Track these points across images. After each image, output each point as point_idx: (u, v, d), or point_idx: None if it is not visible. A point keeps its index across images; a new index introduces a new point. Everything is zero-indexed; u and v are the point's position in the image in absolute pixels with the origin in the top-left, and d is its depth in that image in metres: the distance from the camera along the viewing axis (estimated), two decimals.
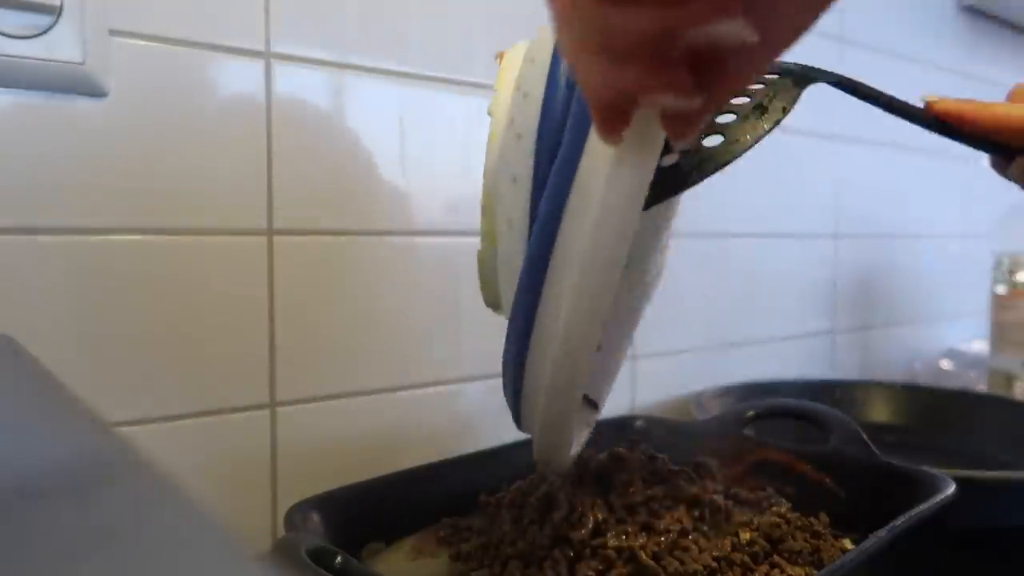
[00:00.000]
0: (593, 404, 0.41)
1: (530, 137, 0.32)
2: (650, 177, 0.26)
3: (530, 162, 0.32)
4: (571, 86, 0.31)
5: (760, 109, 0.30)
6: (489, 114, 0.34)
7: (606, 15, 0.20)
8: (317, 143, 0.50)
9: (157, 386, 0.44)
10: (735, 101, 0.31)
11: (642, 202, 0.26)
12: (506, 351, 0.33)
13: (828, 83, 0.34)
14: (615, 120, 0.23)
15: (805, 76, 0.32)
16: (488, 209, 0.34)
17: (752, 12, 0.20)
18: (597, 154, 0.27)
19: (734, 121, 0.30)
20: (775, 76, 0.32)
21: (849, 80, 0.34)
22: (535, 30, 0.33)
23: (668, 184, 0.29)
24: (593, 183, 0.27)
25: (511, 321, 0.32)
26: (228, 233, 0.46)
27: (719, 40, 0.20)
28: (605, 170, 0.26)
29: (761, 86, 0.31)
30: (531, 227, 0.31)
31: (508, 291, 0.33)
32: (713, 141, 0.30)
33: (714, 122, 0.30)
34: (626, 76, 0.21)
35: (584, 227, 0.27)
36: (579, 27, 0.21)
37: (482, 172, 0.34)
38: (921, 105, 0.37)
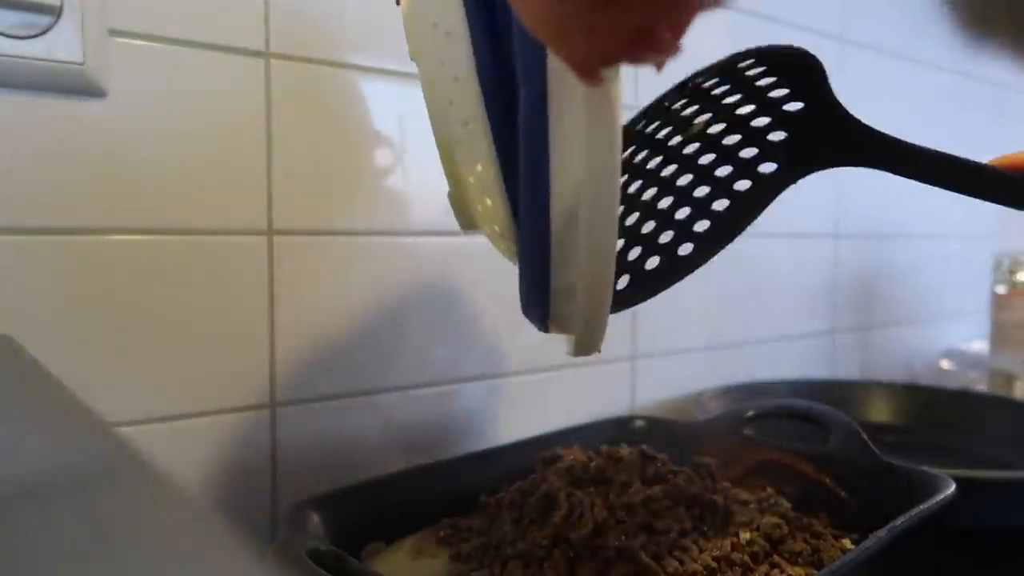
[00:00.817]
0: None
1: (470, 79, 0.32)
2: (620, 90, 0.27)
3: (479, 104, 0.32)
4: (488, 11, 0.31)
5: None
6: (413, 59, 0.34)
7: (594, 16, 0.21)
8: (317, 143, 0.50)
9: (157, 386, 0.44)
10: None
11: (619, 114, 0.27)
12: (522, 269, 0.33)
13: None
14: (596, 71, 0.24)
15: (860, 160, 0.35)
16: (446, 153, 0.35)
17: None
18: (564, 91, 0.28)
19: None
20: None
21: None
22: None
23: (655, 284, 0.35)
24: (570, 115, 0.27)
25: (522, 241, 0.32)
26: (228, 233, 0.46)
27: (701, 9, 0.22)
28: (582, 108, 0.27)
29: None
30: (498, 153, 0.32)
31: (487, 214, 0.34)
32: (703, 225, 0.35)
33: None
34: (612, 49, 0.23)
35: (577, 142, 0.28)
36: (563, 23, 0.22)
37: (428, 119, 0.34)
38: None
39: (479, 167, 0.33)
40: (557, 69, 0.27)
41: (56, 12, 0.40)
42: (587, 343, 0.34)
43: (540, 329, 0.36)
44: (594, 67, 0.24)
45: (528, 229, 0.31)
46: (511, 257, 0.37)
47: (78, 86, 0.41)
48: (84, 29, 0.40)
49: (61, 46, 0.40)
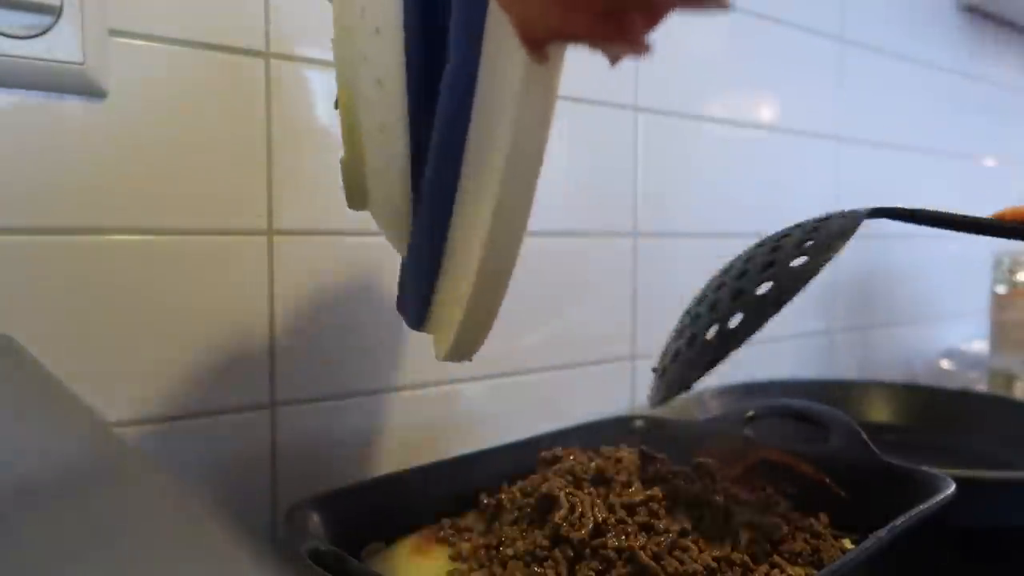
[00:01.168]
0: None
1: (392, 32, 0.28)
2: (560, 77, 0.24)
3: (399, 61, 0.28)
4: None
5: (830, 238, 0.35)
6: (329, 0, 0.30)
7: None
8: (317, 143, 0.50)
9: (157, 386, 0.44)
10: (807, 243, 0.36)
11: (555, 101, 0.24)
12: (411, 255, 0.30)
13: (895, 219, 0.39)
14: (545, 44, 0.22)
15: (872, 214, 0.37)
16: (348, 113, 0.31)
17: None
18: (500, 64, 0.24)
19: (812, 245, 0.35)
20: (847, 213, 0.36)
21: (912, 211, 0.39)
22: None
23: (766, 308, 0.34)
24: (500, 92, 0.24)
25: (420, 224, 0.29)
26: (228, 233, 0.46)
27: None
28: (516, 81, 0.23)
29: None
30: (410, 124, 0.28)
31: (384, 191, 0.30)
32: (798, 261, 0.34)
33: (803, 246, 0.35)
34: (577, 24, 0.21)
35: (502, 133, 0.25)
36: None
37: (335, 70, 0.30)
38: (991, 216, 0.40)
39: (384, 134, 0.29)
40: (497, 37, 0.24)
41: (56, 12, 0.40)
42: (464, 349, 0.31)
43: (411, 326, 0.33)
44: (545, 39, 0.22)
45: (428, 214, 0.28)
46: (399, 245, 0.33)
47: (78, 86, 0.41)
48: (84, 29, 0.40)
49: (61, 46, 0.40)
